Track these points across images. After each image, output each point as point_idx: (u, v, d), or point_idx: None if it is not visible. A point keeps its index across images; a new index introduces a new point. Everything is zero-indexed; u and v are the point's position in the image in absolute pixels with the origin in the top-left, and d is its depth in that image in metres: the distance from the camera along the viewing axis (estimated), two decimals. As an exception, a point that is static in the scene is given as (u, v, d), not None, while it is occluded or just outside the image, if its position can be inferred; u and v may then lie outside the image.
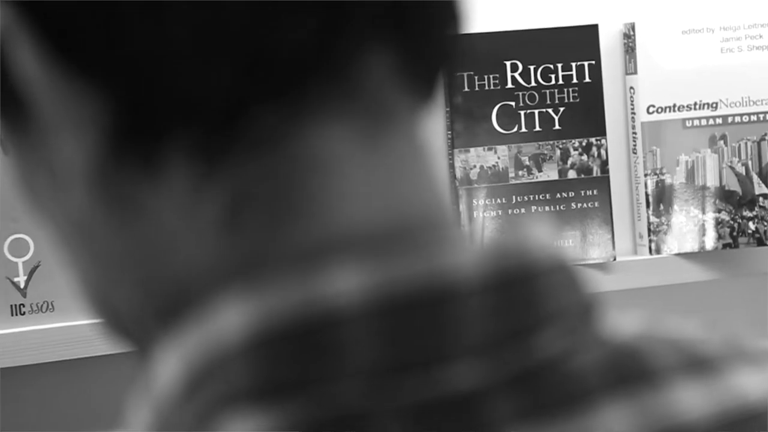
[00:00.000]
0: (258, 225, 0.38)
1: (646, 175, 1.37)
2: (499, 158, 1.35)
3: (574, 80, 1.36)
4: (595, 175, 1.36)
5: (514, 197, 1.35)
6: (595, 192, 1.36)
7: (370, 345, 0.36)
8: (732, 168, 1.39)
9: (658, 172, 1.37)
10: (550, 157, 1.36)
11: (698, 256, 1.37)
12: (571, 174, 1.36)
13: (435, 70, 0.41)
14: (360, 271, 0.36)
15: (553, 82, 1.37)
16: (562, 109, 1.36)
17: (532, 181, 1.35)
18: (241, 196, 0.38)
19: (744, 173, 1.39)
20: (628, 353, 0.39)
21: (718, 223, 1.38)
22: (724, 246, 1.38)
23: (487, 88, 1.35)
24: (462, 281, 0.37)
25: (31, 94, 0.38)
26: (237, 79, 0.36)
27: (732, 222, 1.38)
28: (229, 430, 0.35)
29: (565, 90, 1.37)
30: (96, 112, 0.37)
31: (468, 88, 1.35)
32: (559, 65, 1.37)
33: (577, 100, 1.36)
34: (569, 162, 1.36)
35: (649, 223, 1.37)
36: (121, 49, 0.36)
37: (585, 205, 1.36)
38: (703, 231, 1.37)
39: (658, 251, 1.37)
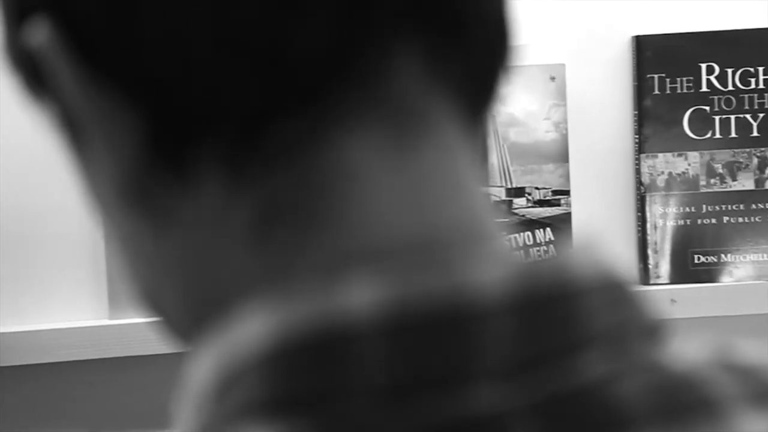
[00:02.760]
0: (284, 236, 0.37)
1: None
2: (689, 165, 1.29)
3: (776, 85, 1.29)
4: (794, 186, 1.28)
5: (704, 206, 1.29)
6: (793, 204, 1.28)
7: (384, 362, 0.34)
8: None
9: None
10: (746, 165, 1.29)
11: None
12: (768, 184, 1.29)
13: (479, 75, 0.39)
14: (377, 285, 0.35)
15: (753, 86, 1.29)
16: (761, 115, 1.29)
17: (725, 190, 1.29)
18: (269, 206, 0.37)
19: None
20: (685, 381, 0.36)
21: None
22: None
23: (679, 91, 1.29)
24: (484, 300, 0.34)
25: (74, 112, 0.38)
26: (259, 88, 0.36)
27: None
28: None
29: (766, 95, 1.29)
30: (129, 126, 0.37)
31: (659, 90, 1.29)
32: (760, 69, 1.29)
33: (778, 105, 1.29)
34: (767, 171, 1.29)
35: None
36: (147, 63, 0.36)
37: (782, 217, 1.29)
38: None
39: None
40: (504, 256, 0.36)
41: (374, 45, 0.36)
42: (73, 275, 1.20)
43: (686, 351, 0.38)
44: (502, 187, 1.25)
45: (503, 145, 1.24)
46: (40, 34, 0.38)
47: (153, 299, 0.41)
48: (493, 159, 1.24)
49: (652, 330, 0.37)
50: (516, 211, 1.25)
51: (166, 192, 0.38)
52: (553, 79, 1.25)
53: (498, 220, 0.40)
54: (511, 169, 1.25)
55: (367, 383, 0.34)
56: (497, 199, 1.25)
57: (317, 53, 0.36)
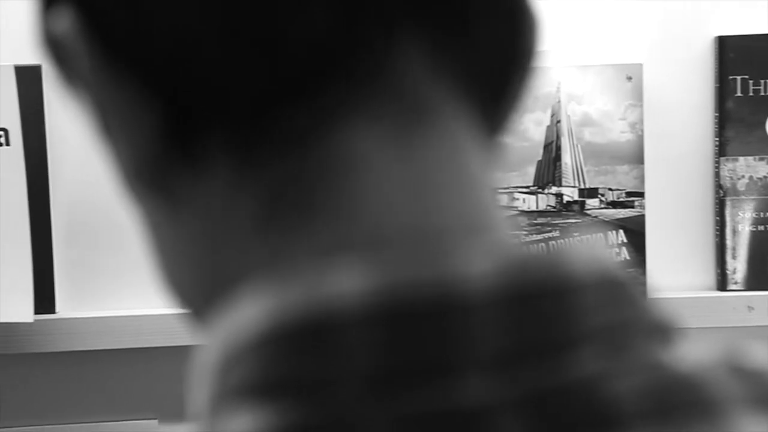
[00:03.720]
0: (287, 222, 0.37)
1: None
2: (771, 169, 1.26)
3: None
4: None
5: (786, 213, 1.25)
6: None
7: (368, 350, 0.34)
8: None
9: None
10: (831, 170, 1.25)
11: None
12: None
13: (490, 72, 0.39)
14: (367, 273, 0.35)
15: (840, 89, 1.25)
16: None
17: (808, 195, 1.25)
18: (274, 193, 0.38)
19: None
20: (686, 382, 0.35)
21: None
22: None
23: (763, 93, 1.26)
24: (473, 292, 0.34)
25: (94, 98, 0.40)
26: (262, 77, 0.36)
27: None
28: (228, 422, 0.35)
29: None
30: (143, 113, 0.38)
31: (741, 92, 1.26)
32: None
33: None
34: None
35: None
36: (156, 53, 0.37)
37: None
38: None
39: None
40: (503, 249, 0.36)
41: (377, 36, 0.37)
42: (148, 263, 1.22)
43: (694, 353, 0.37)
44: (575, 187, 1.23)
45: (577, 145, 1.23)
46: (64, 21, 0.39)
47: (174, 282, 0.42)
48: (567, 159, 1.23)
49: (657, 330, 0.37)
50: (588, 212, 1.23)
51: (179, 177, 0.39)
52: (629, 78, 1.23)
53: (505, 214, 0.40)
54: (584, 169, 1.23)
55: (352, 371, 0.34)
56: (569, 199, 1.24)
57: (317, 41, 0.36)
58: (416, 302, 0.34)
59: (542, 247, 1.23)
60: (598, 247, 0.37)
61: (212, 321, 0.39)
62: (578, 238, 1.23)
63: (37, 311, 1.17)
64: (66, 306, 1.21)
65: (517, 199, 1.24)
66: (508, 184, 1.23)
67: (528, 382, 0.34)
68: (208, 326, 0.39)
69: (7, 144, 1.15)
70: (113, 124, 0.39)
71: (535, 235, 1.23)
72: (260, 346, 0.35)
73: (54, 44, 0.40)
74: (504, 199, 1.24)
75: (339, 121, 0.37)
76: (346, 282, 0.35)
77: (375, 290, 0.34)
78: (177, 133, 0.38)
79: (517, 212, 1.24)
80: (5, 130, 1.15)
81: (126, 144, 0.39)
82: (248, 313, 0.36)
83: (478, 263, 0.35)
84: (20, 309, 1.16)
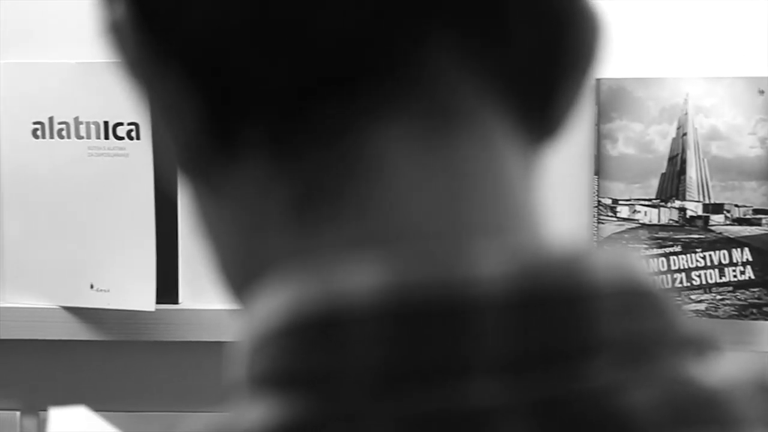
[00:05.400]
0: (314, 215, 0.38)
1: None
2: None
3: None
4: None
5: None
6: None
7: (376, 347, 0.34)
8: None
9: None
10: None
11: None
12: None
13: (530, 75, 0.38)
14: (381, 271, 0.35)
15: None
16: None
17: None
18: (303, 186, 0.38)
19: None
20: (708, 397, 0.34)
21: None
22: None
23: None
24: (484, 294, 0.34)
25: (144, 88, 0.41)
26: (292, 70, 0.37)
27: None
28: (245, 410, 0.36)
29: None
30: (185, 101, 0.39)
31: None
32: None
33: None
34: None
35: None
36: (194, 44, 0.38)
37: None
38: None
39: None
40: (524, 252, 0.36)
41: (409, 36, 0.37)
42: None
43: (725, 369, 0.36)
44: (699, 202, 1.20)
45: (703, 159, 1.20)
46: (117, 11, 0.40)
47: (219, 266, 0.43)
48: (692, 173, 1.20)
49: (686, 344, 0.36)
50: (712, 228, 1.20)
51: (219, 166, 0.40)
52: (761, 92, 1.19)
53: (542, 219, 0.40)
54: (710, 184, 1.20)
55: (359, 367, 0.34)
56: (693, 214, 1.21)
57: (349, 38, 0.36)
58: (426, 301, 0.34)
59: (662, 262, 1.21)
60: (628, 256, 0.36)
61: (247, 306, 0.40)
62: (701, 254, 1.20)
63: (160, 302, 1.21)
64: (189, 297, 1.24)
65: (639, 211, 1.21)
66: (630, 196, 1.21)
67: (537, 388, 0.34)
68: (245, 311, 0.40)
69: (138, 138, 1.19)
70: (160, 113, 0.41)
71: (655, 249, 1.21)
72: (279, 337, 0.36)
73: (112, 33, 0.41)
74: (625, 212, 1.22)
75: (369, 119, 0.37)
76: (360, 278, 0.35)
77: (387, 288, 0.35)
78: (217, 124, 0.39)
79: (638, 225, 1.21)
80: (135, 125, 1.19)
81: (171, 132, 0.41)
82: (272, 303, 0.37)
83: (493, 265, 0.35)
84: (142, 298, 1.20)
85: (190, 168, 0.41)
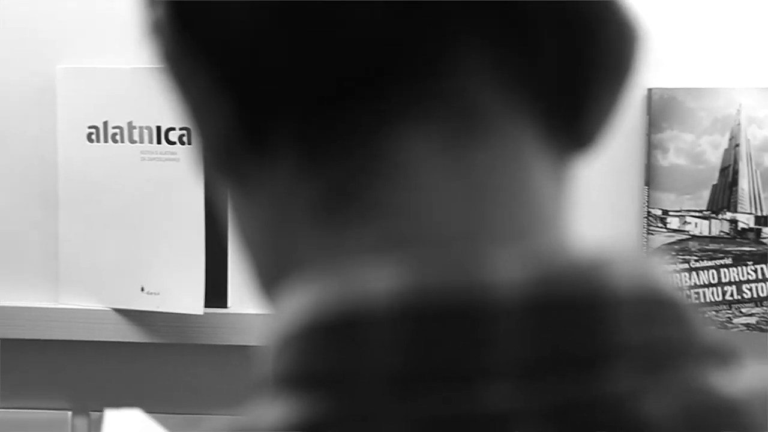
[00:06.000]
0: (340, 217, 0.39)
1: None
2: None
3: None
4: None
5: None
6: None
7: (392, 349, 0.35)
8: None
9: None
10: None
11: None
12: None
13: (558, 83, 0.38)
14: (398, 274, 0.35)
15: None
16: None
17: None
18: (331, 187, 0.39)
19: None
20: (727, 407, 0.34)
21: None
22: None
23: None
24: (501, 299, 0.34)
25: (180, 88, 0.42)
26: (323, 73, 0.37)
27: None
28: (266, 409, 0.36)
29: None
30: (217, 101, 0.40)
31: None
32: None
33: None
34: None
35: None
36: (229, 41, 0.39)
37: None
38: None
39: None
40: (545, 258, 0.36)
41: (433, 38, 0.37)
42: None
43: (746, 379, 0.36)
44: (751, 214, 1.19)
45: (756, 171, 1.19)
46: (158, 13, 0.41)
47: (252, 263, 0.44)
48: (744, 184, 1.19)
49: (708, 353, 0.35)
50: (764, 240, 1.19)
51: (250, 165, 0.41)
52: (816, 104, 1.17)
53: (567, 226, 0.40)
54: (762, 195, 1.19)
55: (375, 369, 0.35)
56: (744, 226, 1.19)
57: (376, 43, 0.37)
58: (443, 305, 0.34)
59: (713, 274, 1.20)
60: (651, 265, 0.36)
61: (275, 305, 0.40)
62: (752, 267, 1.19)
63: (209, 305, 1.22)
64: (238, 301, 1.25)
65: (689, 223, 1.20)
66: (681, 208, 1.20)
67: (553, 393, 0.34)
68: (274, 309, 0.41)
69: (189, 143, 1.20)
70: (194, 112, 0.41)
71: (705, 261, 1.20)
72: (300, 337, 0.36)
73: (152, 34, 0.42)
74: (675, 223, 1.21)
75: (396, 123, 0.38)
76: (379, 280, 0.35)
77: (405, 290, 0.35)
78: (248, 124, 0.40)
79: (689, 237, 1.20)
80: (187, 130, 1.21)
81: (204, 132, 0.41)
82: (295, 303, 0.37)
83: (511, 270, 0.35)
84: (191, 301, 1.21)
85: (222, 167, 0.42)
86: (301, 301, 0.37)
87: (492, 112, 0.38)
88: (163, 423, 1.14)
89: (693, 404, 0.34)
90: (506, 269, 0.35)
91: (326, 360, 0.35)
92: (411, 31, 0.37)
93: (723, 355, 0.36)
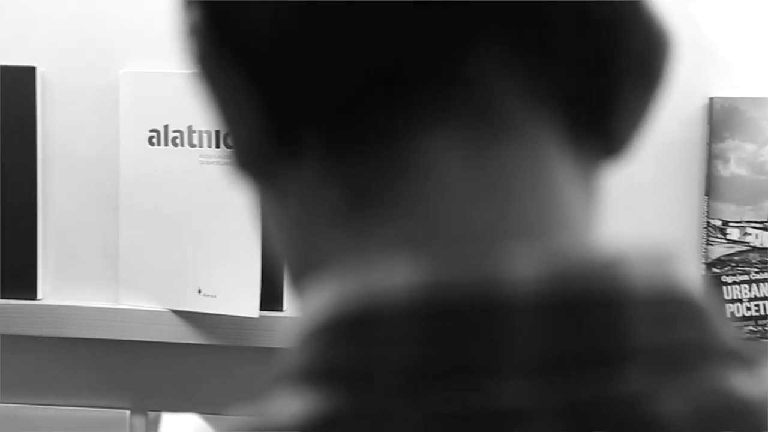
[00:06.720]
0: (361, 217, 0.39)
1: None
2: None
3: None
4: None
5: None
6: None
7: (408, 345, 0.35)
8: None
9: None
10: None
11: None
12: None
13: (582, 87, 0.38)
14: (415, 271, 0.36)
15: None
16: None
17: None
18: (354, 188, 0.39)
19: None
20: (744, 408, 0.34)
21: None
22: None
23: None
24: (517, 296, 0.34)
25: (211, 89, 0.43)
26: (345, 75, 0.38)
27: None
28: (284, 403, 0.37)
29: None
30: (246, 102, 0.41)
31: None
32: None
33: None
34: None
35: None
36: (257, 44, 0.39)
37: None
38: None
39: None
40: (563, 257, 0.36)
41: (454, 41, 0.37)
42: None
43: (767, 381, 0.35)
44: (813, 226, 1.17)
45: (819, 182, 1.16)
46: (193, 16, 0.42)
47: (282, 259, 0.45)
48: (806, 195, 1.17)
49: (726, 354, 0.35)
50: (826, 252, 1.17)
51: (277, 165, 0.41)
52: None
53: (591, 228, 0.40)
54: (825, 207, 1.16)
55: (391, 365, 0.35)
56: (806, 238, 1.17)
57: (394, 42, 0.37)
58: (460, 301, 0.35)
59: (773, 286, 1.18)
60: (673, 265, 0.36)
61: (301, 301, 0.41)
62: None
63: (265, 308, 1.23)
64: (293, 305, 1.26)
65: (750, 234, 1.18)
66: (741, 218, 1.19)
67: (568, 391, 0.34)
68: (301, 305, 0.41)
69: (247, 147, 1.22)
70: (224, 114, 0.42)
71: (766, 273, 1.18)
72: (321, 332, 0.37)
73: (188, 36, 0.43)
74: (735, 234, 1.19)
75: (418, 125, 0.38)
76: (397, 277, 0.36)
77: (422, 287, 0.35)
78: (276, 125, 0.40)
79: (749, 248, 1.18)
80: (245, 134, 1.22)
81: (234, 133, 0.42)
82: (318, 299, 0.38)
83: (528, 268, 0.35)
84: (247, 304, 1.23)
85: (251, 167, 0.43)
86: (323, 297, 0.38)
87: (512, 113, 0.38)
88: (217, 424, 1.15)
89: (709, 405, 0.34)
90: (523, 266, 0.35)
91: (344, 355, 0.36)
92: (433, 34, 0.37)
93: (745, 359, 0.36)
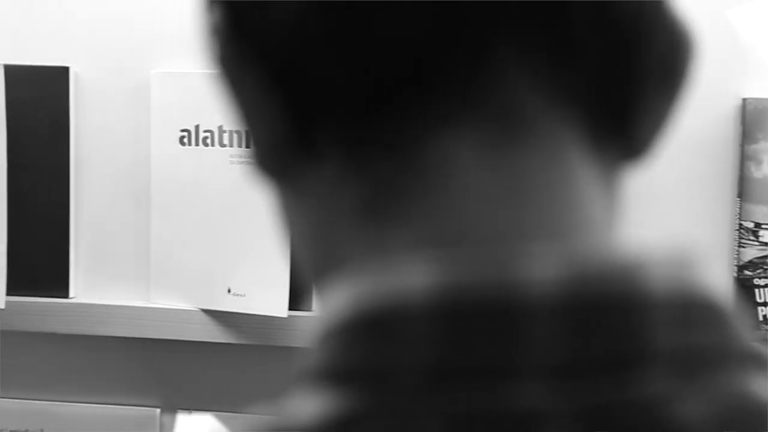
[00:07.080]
0: (381, 218, 0.39)
1: None
2: None
3: None
4: None
5: None
6: None
7: (426, 346, 0.35)
8: None
9: None
10: None
11: None
12: None
13: (603, 89, 0.38)
14: (434, 271, 0.36)
15: None
16: None
17: None
18: (374, 189, 0.39)
19: None
20: (761, 411, 0.34)
21: None
22: None
23: None
24: (535, 298, 0.34)
25: (232, 90, 0.43)
26: (366, 76, 0.38)
27: None
28: (302, 402, 0.37)
29: None
30: (266, 103, 0.41)
31: None
32: None
33: None
34: None
35: None
36: (278, 45, 0.40)
37: None
38: None
39: None
40: (583, 259, 0.36)
41: (474, 43, 0.37)
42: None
43: None
44: None
45: None
46: (214, 16, 0.42)
47: (301, 259, 0.45)
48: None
49: (745, 357, 0.35)
50: None
51: (297, 166, 0.42)
52: None
53: (611, 231, 0.40)
54: None
55: (409, 365, 0.35)
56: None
57: (414, 43, 0.37)
58: (478, 302, 0.35)
59: (806, 289, 1.17)
60: (694, 269, 0.36)
61: (320, 301, 0.41)
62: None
63: (294, 308, 1.23)
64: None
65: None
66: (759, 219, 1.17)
67: (585, 394, 0.34)
68: (321, 305, 0.41)
69: (277, 147, 1.22)
70: (244, 114, 0.43)
71: (797, 276, 1.17)
72: (339, 332, 0.37)
73: (210, 36, 0.43)
74: (753, 235, 1.18)
75: (438, 126, 0.38)
76: (416, 277, 0.36)
77: (441, 288, 0.35)
78: (296, 126, 0.40)
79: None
80: (275, 135, 1.22)
81: (254, 133, 0.42)
82: (337, 299, 0.38)
83: (547, 269, 0.35)
84: (276, 304, 1.23)
85: (271, 167, 0.43)
86: (342, 297, 0.38)
87: (533, 115, 0.38)
88: (239, 423, 1.15)
89: (728, 408, 0.34)
90: (543, 268, 0.35)
91: (363, 355, 0.36)
92: (452, 35, 0.37)
93: (764, 362, 0.35)
